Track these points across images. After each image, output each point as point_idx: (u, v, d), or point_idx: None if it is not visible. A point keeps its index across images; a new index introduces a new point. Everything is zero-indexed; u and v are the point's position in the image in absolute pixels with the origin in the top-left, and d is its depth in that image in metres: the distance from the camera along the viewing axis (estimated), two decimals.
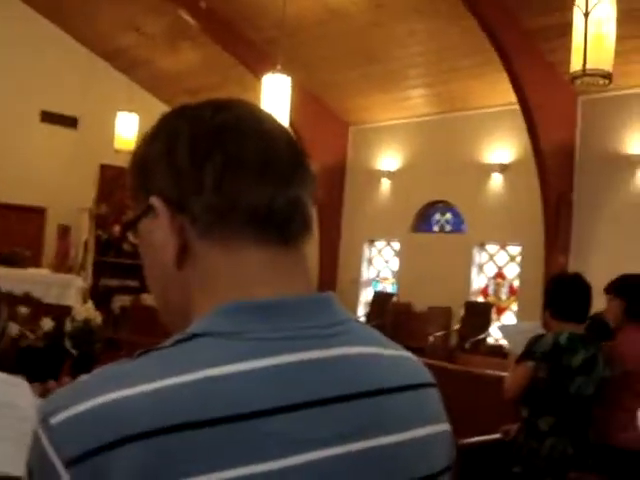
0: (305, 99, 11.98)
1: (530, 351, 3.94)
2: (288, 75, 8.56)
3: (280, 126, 0.99)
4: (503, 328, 4.63)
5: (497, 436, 4.45)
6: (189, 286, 0.95)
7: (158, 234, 0.94)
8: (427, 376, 1.02)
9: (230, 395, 0.82)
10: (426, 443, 0.95)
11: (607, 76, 6.31)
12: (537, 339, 3.97)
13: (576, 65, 6.29)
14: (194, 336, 0.87)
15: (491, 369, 6.50)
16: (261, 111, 1.01)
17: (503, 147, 11.35)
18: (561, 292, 4.13)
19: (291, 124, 9.18)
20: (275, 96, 8.44)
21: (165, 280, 0.98)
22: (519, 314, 10.92)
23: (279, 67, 8.56)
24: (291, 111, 8.70)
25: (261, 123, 0.97)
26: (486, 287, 11.79)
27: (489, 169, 11.45)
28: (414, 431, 0.94)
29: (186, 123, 0.96)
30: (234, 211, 0.91)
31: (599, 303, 4.44)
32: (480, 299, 11.74)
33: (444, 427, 1.00)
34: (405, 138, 12.89)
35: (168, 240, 0.93)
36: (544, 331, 4.16)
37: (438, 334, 11.18)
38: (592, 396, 3.96)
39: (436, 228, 12.61)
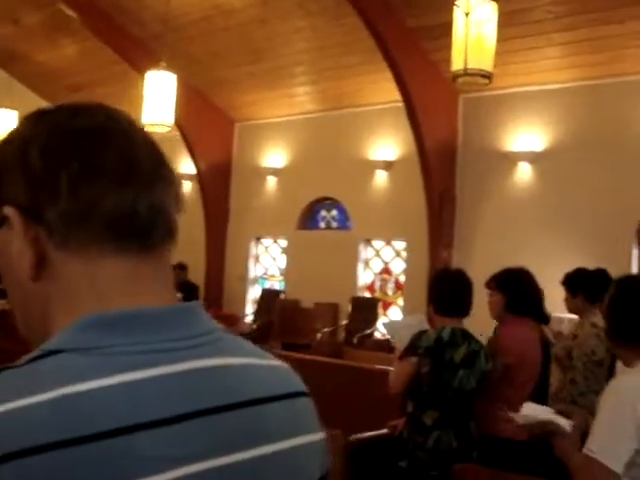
0: (190, 96, 11.83)
1: (413, 346, 3.98)
2: (173, 72, 8.41)
3: (141, 130, 0.96)
4: (387, 324, 4.68)
5: (385, 431, 4.49)
6: (48, 299, 0.90)
7: (15, 245, 0.89)
8: (301, 386, 1.00)
9: (88, 413, 0.78)
10: (301, 453, 0.94)
11: (487, 76, 6.47)
12: (420, 335, 4.02)
13: (457, 65, 6.42)
14: (50, 353, 0.82)
15: (378, 364, 6.57)
16: (121, 115, 0.96)
17: (388, 144, 11.50)
18: (443, 288, 4.21)
19: (176, 121, 9.04)
20: (159, 93, 8.28)
21: (24, 294, 0.92)
22: (405, 309, 11.09)
23: (163, 64, 8.40)
24: (176, 108, 8.56)
25: (120, 128, 0.93)
26: (372, 283, 11.92)
27: (374, 166, 11.58)
28: (290, 441, 0.92)
29: (41, 128, 0.91)
30: (91, 219, 0.87)
31: (482, 297, 4.52)
32: (367, 294, 11.87)
33: (319, 436, 0.99)
34: (291, 135, 12.90)
35: (23, 252, 0.88)
36: (428, 326, 4.22)
37: (326, 330, 11.24)
38: (474, 390, 4.04)
39: (322, 225, 12.67)
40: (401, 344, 4.09)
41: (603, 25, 8.51)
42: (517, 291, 4.37)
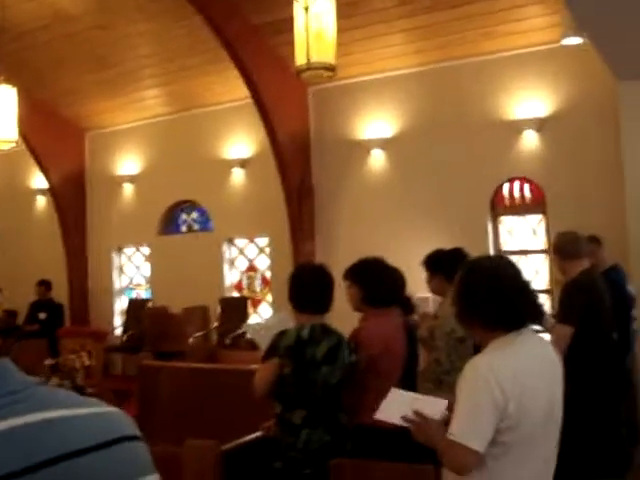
0: (35, 108, 11.43)
1: (274, 347, 3.95)
2: (12, 85, 8.06)
3: None
4: (249, 327, 4.63)
5: (259, 433, 4.47)
6: None
7: None
8: (128, 429, 0.97)
9: None
10: None
11: (331, 68, 6.52)
12: (280, 335, 3.98)
13: (300, 59, 6.45)
14: None
15: (254, 363, 6.55)
16: None
17: (242, 142, 11.46)
18: (300, 286, 4.15)
19: (22, 136, 8.68)
20: None
21: None
22: (274, 304, 11.11)
23: (1, 77, 8.04)
24: (20, 123, 8.21)
25: None
26: (240, 281, 11.88)
27: (230, 164, 11.52)
28: None
29: None
30: None
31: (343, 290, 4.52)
32: (235, 294, 11.82)
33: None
34: (144, 140, 12.67)
35: None
36: (292, 322, 4.18)
37: (198, 334, 11.11)
38: (339, 383, 4.04)
39: (184, 228, 12.51)
40: (264, 346, 4.06)
41: (440, 10, 8.76)
42: (373, 283, 4.36)
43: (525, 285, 2.75)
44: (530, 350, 2.69)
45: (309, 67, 6.37)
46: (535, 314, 2.75)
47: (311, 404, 3.93)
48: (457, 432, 2.50)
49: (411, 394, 3.05)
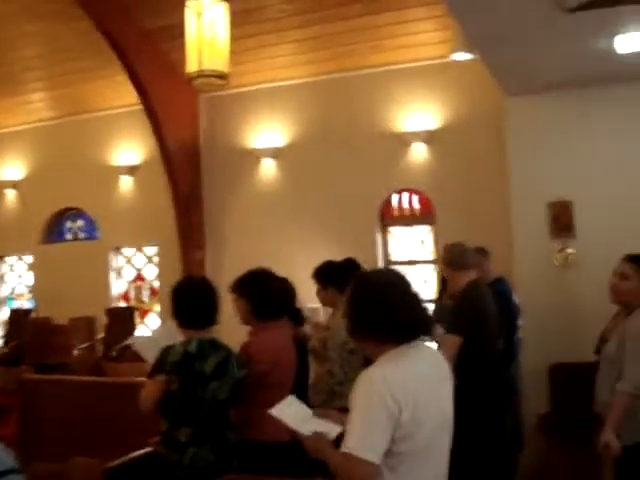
0: None
1: (161, 363, 3.83)
2: None
3: None
4: (135, 339, 4.45)
5: (148, 449, 4.34)
6: None
7: None
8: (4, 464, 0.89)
9: None
10: None
11: (223, 76, 6.47)
12: (167, 350, 3.86)
13: (192, 66, 6.37)
14: None
15: (141, 375, 6.37)
16: None
17: (131, 148, 11.25)
18: (182, 301, 4.03)
19: None
20: None
21: None
22: (162, 315, 10.92)
23: None
24: None
25: None
26: (127, 291, 11.63)
27: (118, 171, 11.29)
28: None
29: None
30: None
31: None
32: (122, 304, 11.55)
33: None
34: (29, 144, 12.27)
35: None
36: (179, 333, 4.05)
37: (83, 346, 10.80)
38: (228, 399, 3.96)
39: (69, 236, 12.17)
40: (151, 359, 3.93)
41: (331, 22, 8.81)
42: (260, 296, 4.26)
43: (416, 298, 2.77)
44: (422, 361, 2.70)
45: (201, 74, 6.30)
46: (426, 326, 2.76)
47: (198, 421, 3.82)
48: (352, 444, 2.48)
49: (308, 410, 3.01)
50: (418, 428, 2.55)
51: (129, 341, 4.47)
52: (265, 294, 4.27)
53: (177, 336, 4.04)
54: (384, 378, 2.54)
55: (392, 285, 2.73)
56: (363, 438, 2.49)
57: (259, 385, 4.10)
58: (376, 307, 2.66)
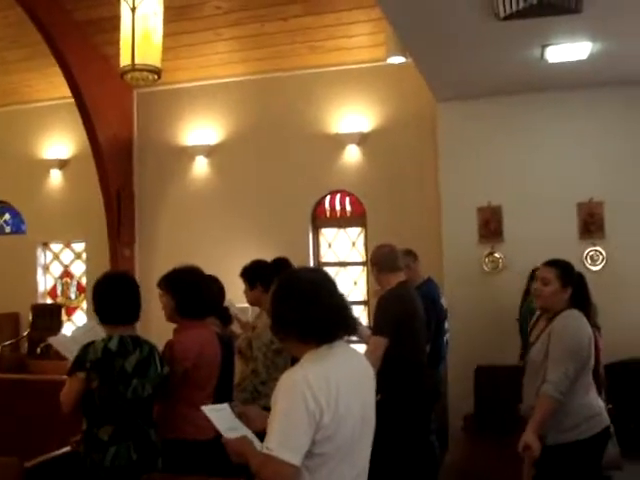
0: None
1: (80, 361, 3.74)
2: None
3: None
4: (54, 340, 4.33)
5: (67, 449, 4.26)
6: None
7: None
8: None
9: None
10: None
11: (156, 71, 6.40)
12: (86, 347, 3.78)
13: (125, 60, 6.29)
14: None
15: (64, 373, 6.26)
16: None
17: (61, 142, 11.04)
18: (103, 297, 3.94)
19: None
20: None
21: None
22: (90, 312, 10.74)
23: None
24: None
25: None
26: (54, 288, 11.41)
27: (48, 165, 11.07)
28: None
29: None
30: None
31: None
32: (49, 301, 11.34)
33: None
34: None
35: None
36: (101, 330, 3.98)
37: (7, 343, 10.56)
38: (151, 396, 3.90)
39: None
40: (71, 358, 3.85)
41: (268, 22, 8.80)
42: (186, 294, 4.21)
43: (339, 298, 2.77)
44: (344, 362, 2.70)
45: (134, 68, 6.23)
46: (348, 327, 2.77)
47: (119, 420, 3.75)
48: (272, 445, 2.47)
49: (241, 423, 2.99)
50: (339, 429, 2.56)
51: (49, 340, 4.33)
52: (190, 292, 4.22)
53: (100, 334, 3.96)
54: (306, 379, 2.53)
55: (315, 284, 2.73)
56: (283, 438, 2.48)
57: (183, 383, 4.06)
58: (297, 304, 2.66)
